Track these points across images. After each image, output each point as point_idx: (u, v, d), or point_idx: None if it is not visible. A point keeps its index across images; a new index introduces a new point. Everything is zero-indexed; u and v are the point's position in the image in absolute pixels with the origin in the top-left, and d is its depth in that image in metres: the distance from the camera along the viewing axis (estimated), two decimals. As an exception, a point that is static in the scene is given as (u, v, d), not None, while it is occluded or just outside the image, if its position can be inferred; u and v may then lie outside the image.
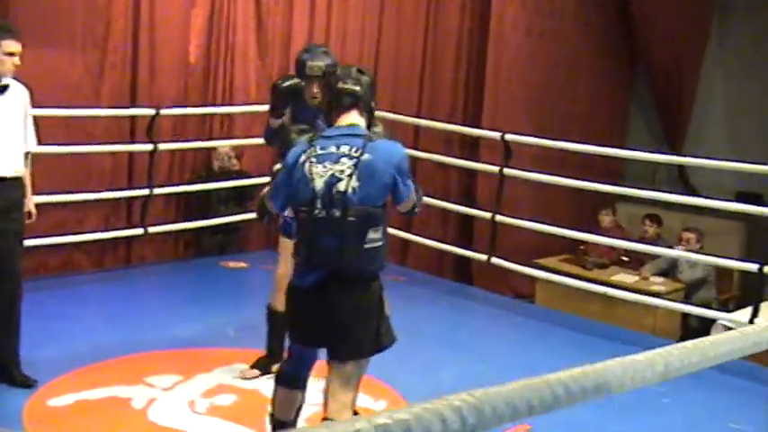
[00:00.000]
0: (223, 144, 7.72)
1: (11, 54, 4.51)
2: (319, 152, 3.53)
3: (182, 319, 6.10)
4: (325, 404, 3.68)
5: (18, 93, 4.73)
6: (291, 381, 3.88)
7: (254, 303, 6.86)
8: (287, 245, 4.79)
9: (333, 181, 3.47)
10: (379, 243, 3.54)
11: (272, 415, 3.97)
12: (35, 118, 4.98)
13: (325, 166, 3.50)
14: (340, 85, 3.66)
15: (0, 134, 4.60)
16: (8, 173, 4.63)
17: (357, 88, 3.64)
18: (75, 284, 6.75)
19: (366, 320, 3.60)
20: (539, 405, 1.50)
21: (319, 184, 3.48)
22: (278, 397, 3.91)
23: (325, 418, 3.61)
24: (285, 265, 4.80)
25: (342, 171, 3.47)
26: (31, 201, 4.89)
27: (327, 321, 3.57)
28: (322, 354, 3.74)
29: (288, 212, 4.47)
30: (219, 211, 7.63)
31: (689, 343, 1.93)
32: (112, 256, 7.34)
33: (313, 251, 3.53)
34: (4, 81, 4.62)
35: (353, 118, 3.64)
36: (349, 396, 3.63)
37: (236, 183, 7.63)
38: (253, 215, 7.59)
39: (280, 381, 3.91)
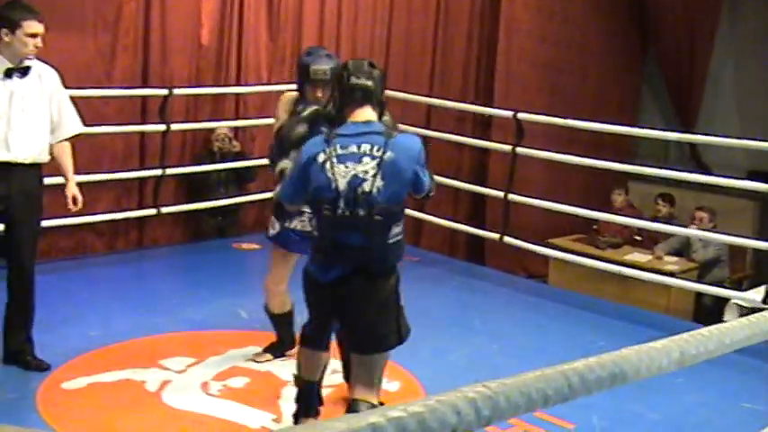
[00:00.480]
0: (231, 125, 7.71)
1: (33, 35, 4.40)
2: (340, 152, 3.48)
3: (194, 302, 6.10)
4: (351, 387, 3.80)
5: (45, 75, 4.59)
6: (315, 342, 3.92)
7: (267, 285, 6.89)
8: (280, 256, 4.82)
9: (356, 182, 3.44)
10: (401, 236, 3.60)
11: (297, 377, 4.02)
12: (73, 99, 4.88)
13: (347, 167, 3.46)
14: (353, 80, 3.59)
15: (19, 118, 4.47)
16: (25, 158, 4.52)
17: (370, 83, 3.60)
18: (88, 266, 6.77)
19: (388, 314, 3.64)
20: (554, 395, 1.49)
21: (342, 184, 3.45)
22: (303, 357, 3.96)
23: (353, 400, 3.67)
24: (276, 274, 4.87)
25: (365, 171, 3.45)
26: (74, 185, 4.83)
27: (351, 316, 3.63)
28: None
29: (290, 224, 4.61)
30: (219, 193, 7.61)
31: (704, 330, 1.92)
32: (125, 238, 7.35)
33: (337, 247, 3.54)
34: (26, 63, 4.50)
35: (368, 113, 3.60)
36: (374, 381, 3.69)
37: (242, 163, 7.62)
38: (248, 197, 7.68)
39: (303, 342, 3.97)
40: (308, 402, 4.00)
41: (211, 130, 7.60)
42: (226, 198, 7.60)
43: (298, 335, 4.14)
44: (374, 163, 3.45)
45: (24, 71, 4.48)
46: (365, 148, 3.47)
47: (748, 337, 1.97)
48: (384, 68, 3.87)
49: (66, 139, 4.78)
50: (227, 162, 7.55)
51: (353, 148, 3.48)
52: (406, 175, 3.50)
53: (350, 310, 3.61)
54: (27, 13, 4.42)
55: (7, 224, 4.62)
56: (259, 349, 5.13)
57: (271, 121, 7.79)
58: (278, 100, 4.91)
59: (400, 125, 4.86)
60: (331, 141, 3.52)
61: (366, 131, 3.53)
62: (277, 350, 5.10)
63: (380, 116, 3.68)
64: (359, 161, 3.46)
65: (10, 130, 4.45)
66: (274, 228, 4.76)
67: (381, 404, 3.66)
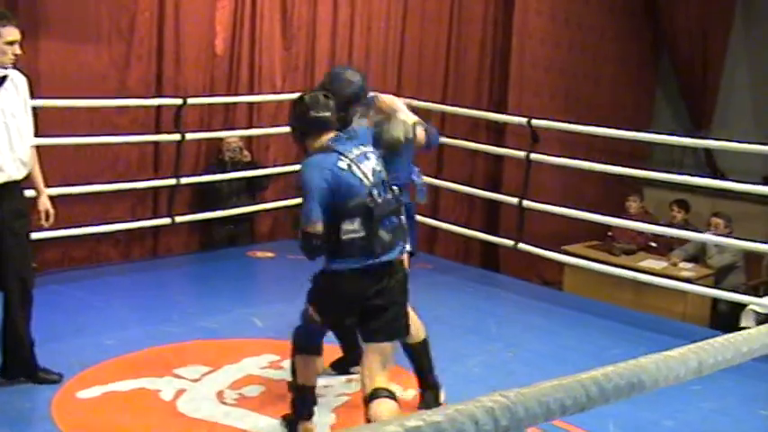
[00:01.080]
0: (246, 134, 7.72)
1: (11, 43, 4.19)
2: (353, 156, 3.88)
3: (209, 310, 6.11)
4: (364, 384, 3.85)
5: (19, 82, 4.38)
6: (308, 348, 4.14)
7: (282, 293, 6.88)
8: None
9: (376, 172, 3.91)
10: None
11: (295, 384, 4.18)
12: (34, 109, 4.64)
13: (365, 165, 3.89)
14: (312, 113, 3.97)
15: (4, 134, 4.25)
16: (21, 174, 4.37)
17: (327, 114, 3.98)
18: (103, 275, 6.79)
19: (406, 300, 4.02)
20: (572, 405, 1.48)
21: (371, 178, 3.87)
22: (301, 365, 4.14)
23: (376, 389, 3.78)
24: None
25: (377, 164, 3.95)
26: (46, 198, 4.62)
27: (379, 304, 3.84)
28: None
29: None
30: (230, 202, 7.61)
31: (722, 338, 1.90)
32: (139, 246, 7.37)
33: (374, 238, 3.80)
34: (2, 72, 4.28)
35: (331, 135, 3.97)
36: (386, 372, 3.88)
37: (255, 172, 7.63)
38: (263, 206, 7.70)
39: (297, 350, 4.15)
40: (307, 407, 4.19)
41: (222, 140, 7.61)
42: (238, 207, 7.60)
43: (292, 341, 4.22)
44: (374, 156, 3.97)
45: (2, 80, 4.27)
46: (362, 148, 3.95)
47: (766, 345, 1.95)
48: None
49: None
50: (237, 171, 7.55)
51: (355, 152, 3.91)
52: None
53: (380, 299, 3.84)
54: (5, 20, 4.21)
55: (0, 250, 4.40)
56: (275, 357, 5.12)
57: (286, 129, 7.85)
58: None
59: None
60: (338, 152, 3.89)
61: (347, 138, 3.98)
62: (344, 364, 4.97)
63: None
64: (367, 158, 3.92)
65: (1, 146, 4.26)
66: None
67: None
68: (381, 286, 3.83)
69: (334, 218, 3.81)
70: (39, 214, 4.58)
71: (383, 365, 3.86)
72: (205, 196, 7.62)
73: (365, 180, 3.84)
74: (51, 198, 4.73)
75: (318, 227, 3.83)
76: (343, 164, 3.84)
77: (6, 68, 4.29)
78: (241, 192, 7.68)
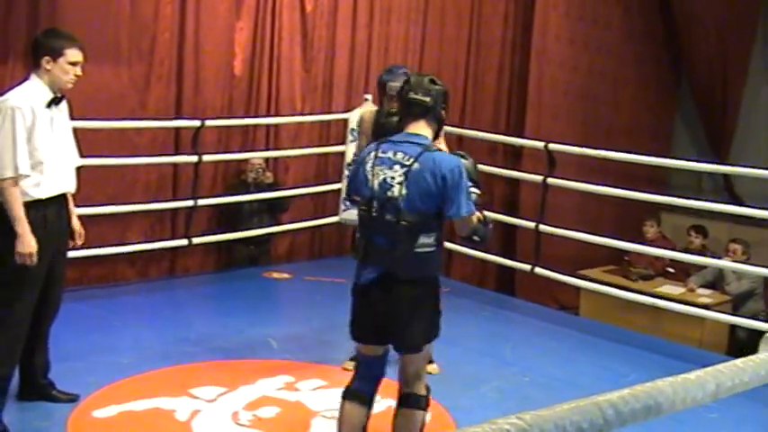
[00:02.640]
0: (265, 155, 7.75)
1: (74, 63, 4.34)
2: (380, 155, 3.69)
3: (225, 330, 6.12)
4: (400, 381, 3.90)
5: (65, 103, 4.54)
6: (357, 396, 3.90)
7: (298, 314, 6.91)
8: None
9: (385, 186, 3.64)
10: (431, 249, 3.69)
11: None
12: (76, 131, 4.78)
13: (381, 170, 3.66)
14: (411, 95, 3.77)
15: (61, 148, 4.43)
16: (72, 188, 4.54)
17: (426, 99, 3.75)
18: (120, 295, 6.81)
19: (422, 314, 3.77)
20: (589, 428, 1.48)
21: (375, 185, 3.66)
22: (343, 413, 3.91)
23: (403, 393, 3.87)
24: None
25: (393, 177, 3.63)
26: (77, 219, 4.70)
27: (387, 317, 3.73)
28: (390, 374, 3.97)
29: None
30: (252, 223, 7.64)
31: (740, 361, 1.89)
32: (157, 266, 7.39)
33: (369, 248, 3.71)
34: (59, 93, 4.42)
35: (420, 127, 3.75)
36: (418, 375, 3.87)
37: (276, 194, 7.65)
38: (282, 227, 7.71)
39: (346, 395, 3.92)
40: None
41: (245, 161, 7.65)
42: (259, 228, 7.62)
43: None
44: (402, 171, 3.62)
45: (59, 100, 4.42)
46: (399, 156, 3.65)
47: (785, 370, 1.94)
48: (447, 91, 3.97)
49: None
50: (260, 192, 7.58)
51: (390, 154, 3.67)
52: (426, 186, 3.60)
53: (386, 310, 3.72)
54: (69, 41, 4.38)
55: (53, 260, 4.46)
56: (291, 379, 5.12)
57: (305, 151, 7.90)
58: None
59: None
60: (378, 145, 3.75)
61: (407, 141, 3.70)
62: None
63: (437, 132, 3.83)
64: (390, 167, 3.65)
65: (59, 160, 4.40)
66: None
67: (428, 390, 3.93)
68: (374, 299, 3.76)
69: None
70: (72, 234, 4.65)
71: (411, 371, 3.87)
72: (226, 217, 7.65)
73: (370, 182, 3.68)
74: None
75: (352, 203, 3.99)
76: (368, 157, 3.75)
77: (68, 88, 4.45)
78: (263, 213, 7.72)
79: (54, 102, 4.37)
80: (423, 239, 3.65)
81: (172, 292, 7.18)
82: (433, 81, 3.85)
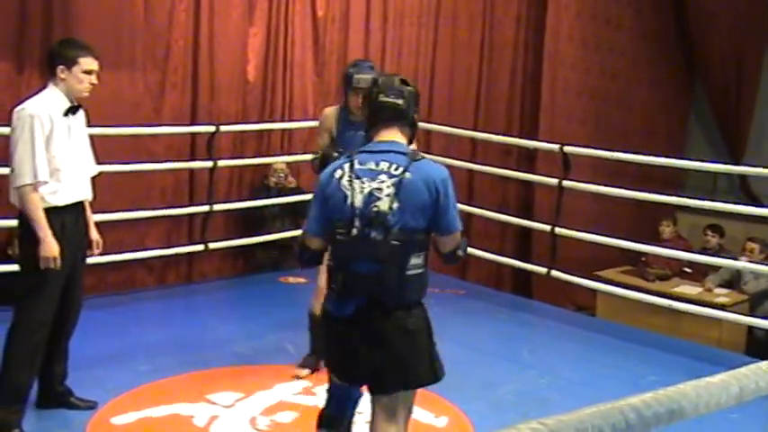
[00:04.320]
0: (281, 160, 7.77)
1: (89, 72, 4.37)
2: (357, 167, 3.26)
3: (242, 336, 6.13)
4: None
5: (82, 113, 4.59)
6: (334, 423, 3.56)
7: (314, 319, 6.89)
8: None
9: (371, 199, 3.20)
10: (422, 269, 3.27)
11: None
12: (92, 138, 4.81)
13: (362, 182, 3.22)
14: (381, 98, 3.36)
15: (78, 157, 4.47)
16: (89, 196, 4.59)
17: (399, 101, 3.35)
18: (137, 301, 6.83)
19: (415, 346, 3.30)
20: (611, 432, 1.47)
21: (358, 200, 3.21)
22: None
23: None
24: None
25: (380, 189, 3.20)
26: (95, 228, 4.72)
27: (372, 352, 3.26)
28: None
29: None
30: (275, 227, 7.66)
31: (763, 364, 1.88)
32: (174, 272, 7.42)
33: (349, 278, 3.24)
34: (76, 101, 4.47)
35: (393, 134, 3.36)
36: (398, 421, 3.34)
37: (290, 198, 7.66)
38: (292, 233, 7.69)
39: (322, 424, 3.58)
40: None
41: (268, 165, 7.68)
42: (279, 232, 7.65)
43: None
44: (391, 182, 3.20)
45: (76, 109, 4.46)
46: (383, 165, 3.24)
47: (808, 372, 1.92)
48: (419, 92, 3.51)
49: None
50: (281, 197, 7.65)
51: (371, 165, 3.25)
52: (421, 198, 3.20)
53: (370, 345, 3.26)
54: (83, 50, 4.40)
55: (72, 265, 4.46)
56: (308, 384, 5.13)
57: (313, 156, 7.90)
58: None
59: (445, 158, 4.89)
60: (351, 157, 3.31)
61: (388, 150, 3.29)
62: (313, 361, 5.20)
63: (411, 138, 3.43)
64: (375, 178, 3.22)
65: (76, 169, 4.44)
66: None
67: None
68: (357, 332, 3.29)
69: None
70: (91, 244, 4.67)
71: (389, 420, 3.35)
72: (249, 221, 7.69)
73: (350, 199, 3.22)
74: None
75: (312, 242, 3.42)
76: (338, 173, 3.28)
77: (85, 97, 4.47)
78: (285, 217, 7.74)
79: (71, 110, 4.40)
80: (413, 260, 3.22)
81: (189, 297, 7.19)
82: (404, 82, 3.42)
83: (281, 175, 7.68)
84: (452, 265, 3.81)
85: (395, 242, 3.17)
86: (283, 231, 7.66)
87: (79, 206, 4.50)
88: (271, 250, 7.79)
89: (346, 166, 3.28)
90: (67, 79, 4.35)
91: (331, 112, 5.20)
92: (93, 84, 4.42)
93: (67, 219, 4.40)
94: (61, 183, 4.33)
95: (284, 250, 7.87)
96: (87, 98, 4.52)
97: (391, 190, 3.19)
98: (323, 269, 4.71)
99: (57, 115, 4.31)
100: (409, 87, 3.43)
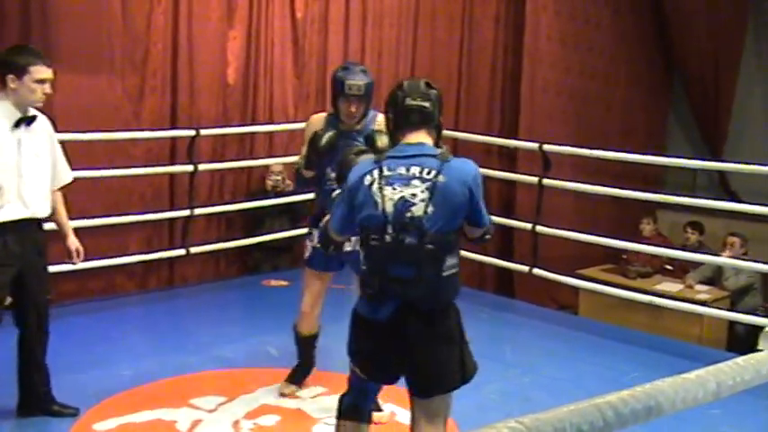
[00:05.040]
0: (260, 163, 7.77)
1: (41, 81, 4.12)
2: (387, 173, 3.24)
3: (224, 340, 6.11)
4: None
5: (43, 122, 4.33)
6: (355, 412, 3.58)
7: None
8: (313, 277, 4.87)
9: (404, 206, 3.18)
10: (456, 269, 3.27)
11: None
12: (63, 145, 4.63)
13: (394, 189, 3.20)
14: (408, 101, 3.34)
15: (30, 171, 4.21)
16: (42, 214, 4.33)
17: (426, 104, 3.35)
18: (118, 307, 6.80)
19: (450, 351, 3.32)
20: (589, 429, 1.48)
21: (389, 207, 3.19)
22: (341, 430, 3.60)
23: None
24: (311, 295, 4.91)
25: (414, 195, 3.18)
26: (74, 237, 4.57)
27: (408, 356, 3.29)
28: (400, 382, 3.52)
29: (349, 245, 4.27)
30: (273, 230, 7.66)
31: (740, 359, 1.89)
32: (155, 277, 7.39)
33: (386, 282, 3.23)
34: (31, 111, 4.23)
35: (422, 136, 3.33)
36: (440, 425, 3.38)
37: (278, 200, 7.67)
38: (275, 236, 7.70)
39: (342, 413, 3.59)
40: None
41: (266, 168, 7.76)
42: (276, 233, 7.68)
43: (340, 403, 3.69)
44: (424, 186, 3.18)
45: (30, 120, 4.20)
46: (414, 170, 3.21)
47: (785, 366, 1.94)
48: (442, 95, 3.50)
49: (59, 189, 4.55)
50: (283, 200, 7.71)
51: (402, 170, 3.22)
52: (457, 200, 3.20)
53: (407, 349, 3.28)
54: (34, 57, 4.15)
55: (21, 285, 4.33)
56: (290, 387, 5.12)
57: (297, 158, 7.88)
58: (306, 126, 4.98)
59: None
60: (380, 163, 3.28)
61: (417, 154, 3.26)
62: (299, 377, 5.15)
63: (437, 141, 3.40)
64: (407, 183, 3.19)
65: (24, 184, 4.19)
66: (308, 250, 4.84)
67: None
68: (395, 336, 3.29)
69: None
70: (70, 253, 4.53)
71: (432, 419, 3.37)
72: (247, 225, 7.73)
73: (381, 206, 3.20)
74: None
75: (337, 238, 3.52)
76: (368, 179, 3.26)
77: (35, 108, 4.25)
78: (283, 220, 7.75)
79: (23, 122, 4.18)
80: (449, 261, 3.21)
81: (171, 302, 7.17)
82: (429, 85, 3.43)
83: (278, 177, 7.68)
84: (479, 245, 3.89)
85: (430, 246, 3.16)
86: (280, 232, 7.66)
87: (27, 224, 4.27)
88: (268, 252, 7.79)
89: (375, 172, 3.26)
90: (18, 89, 4.12)
91: (318, 119, 4.78)
92: (46, 93, 4.18)
93: (10, 237, 4.19)
94: (2, 199, 4.11)
95: (281, 252, 7.90)
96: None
97: (426, 195, 3.18)
98: (314, 297, 4.88)
99: (3, 128, 4.11)
100: (434, 90, 3.43)
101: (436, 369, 3.30)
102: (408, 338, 3.26)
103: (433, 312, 3.26)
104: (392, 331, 3.28)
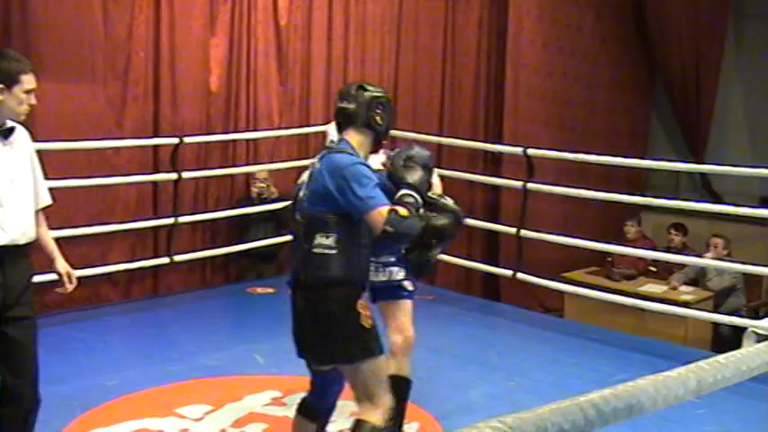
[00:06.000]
0: (244, 171, 7.77)
1: (29, 92, 3.61)
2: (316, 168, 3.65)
3: (210, 348, 6.10)
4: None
5: (22, 135, 3.76)
6: (309, 410, 3.80)
7: (283, 329, 6.84)
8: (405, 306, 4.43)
9: (298, 188, 3.71)
10: (330, 251, 3.47)
11: None
12: (42, 157, 4.01)
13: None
14: (338, 103, 3.71)
15: (9, 192, 3.64)
16: (23, 239, 3.69)
17: (350, 106, 3.64)
18: (103, 316, 6.78)
19: (334, 327, 3.50)
20: (570, 428, 1.48)
21: (302, 195, 3.66)
22: (294, 426, 3.84)
23: (354, 420, 3.60)
24: (400, 331, 4.36)
25: (303, 181, 3.68)
26: (63, 260, 4.01)
27: (298, 329, 3.63)
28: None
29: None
30: (258, 237, 7.66)
31: (721, 357, 1.91)
32: (140, 286, 7.37)
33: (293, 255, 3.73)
34: (9, 123, 3.67)
35: (349, 135, 3.65)
36: (370, 392, 3.54)
37: (262, 208, 7.66)
38: (260, 243, 7.68)
39: (298, 409, 3.83)
40: None
41: (251, 175, 7.76)
42: (261, 240, 7.69)
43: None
44: (309, 172, 3.65)
45: (9, 132, 3.67)
46: (315, 161, 3.66)
47: (766, 363, 1.95)
48: (382, 97, 3.69)
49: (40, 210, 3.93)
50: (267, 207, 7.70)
51: (318, 165, 3.62)
52: (321, 186, 3.49)
53: (295, 319, 3.63)
54: (24, 65, 3.65)
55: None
56: (278, 394, 5.11)
57: (282, 165, 7.89)
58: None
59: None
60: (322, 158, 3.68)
61: (332, 148, 3.66)
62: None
63: (375, 140, 3.66)
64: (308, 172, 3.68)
65: (1, 206, 3.62)
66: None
67: (386, 423, 3.59)
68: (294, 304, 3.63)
69: None
70: (61, 278, 4.03)
71: (360, 390, 3.59)
72: (231, 232, 7.72)
73: (300, 194, 3.65)
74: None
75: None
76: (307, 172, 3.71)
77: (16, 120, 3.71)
78: (268, 228, 7.76)
79: (1, 136, 3.66)
80: (318, 239, 3.47)
81: (155, 311, 7.15)
82: (361, 87, 3.70)
83: (263, 184, 7.67)
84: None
85: (301, 221, 3.59)
86: (265, 240, 7.66)
87: (7, 251, 3.65)
88: (254, 260, 7.79)
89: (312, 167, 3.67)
90: (6, 100, 3.57)
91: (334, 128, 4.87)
92: (32, 105, 3.68)
93: None
94: None
95: (267, 260, 7.89)
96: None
97: (307, 180, 3.64)
98: (394, 326, 4.36)
99: None
100: (366, 92, 3.67)
101: (317, 339, 3.55)
102: (295, 309, 3.62)
103: (309, 288, 3.54)
104: (292, 301, 3.63)
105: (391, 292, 4.31)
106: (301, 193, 3.62)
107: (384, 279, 4.27)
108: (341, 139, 3.65)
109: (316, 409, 3.80)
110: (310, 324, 3.53)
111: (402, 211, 3.37)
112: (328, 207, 3.48)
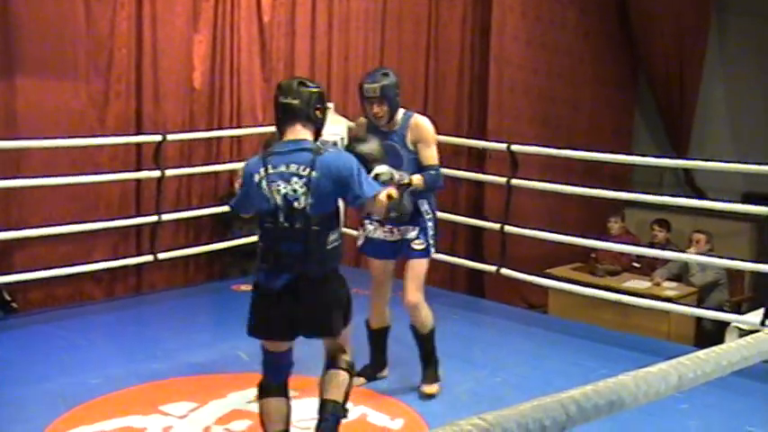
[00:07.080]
0: (229, 168, 7.73)
1: None
2: (271, 172, 3.76)
3: (194, 345, 6.08)
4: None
5: None
6: (273, 389, 4.03)
7: (267, 326, 6.86)
8: (369, 264, 5.27)
9: (289, 200, 3.74)
10: (338, 242, 3.88)
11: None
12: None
13: (278, 185, 3.75)
14: (281, 99, 3.86)
15: None
16: None
17: (295, 102, 3.82)
18: (86, 314, 6.74)
19: (339, 307, 3.95)
20: (551, 425, 1.48)
21: (279, 200, 3.75)
22: (264, 409, 4.03)
23: (329, 361, 4.04)
24: (372, 288, 5.27)
25: (295, 191, 3.73)
26: None
27: (304, 316, 3.85)
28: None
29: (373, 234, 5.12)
30: (242, 234, 7.63)
31: (702, 352, 1.91)
32: (123, 284, 7.34)
33: (279, 256, 3.77)
34: None
35: (298, 131, 3.84)
36: (343, 345, 4.08)
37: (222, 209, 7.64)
38: (245, 240, 7.66)
39: (262, 393, 4.05)
40: None
41: (234, 172, 7.67)
42: (245, 237, 7.63)
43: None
44: (302, 182, 3.72)
45: None
46: (293, 167, 3.74)
47: (745, 358, 1.96)
48: (322, 92, 4.00)
49: None
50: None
51: (282, 168, 3.75)
52: (328, 191, 3.75)
53: (302, 310, 3.84)
54: None
55: None
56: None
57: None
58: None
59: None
60: (266, 161, 3.80)
61: (295, 149, 3.78)
62: (366, 372, 5.29)
63: (317, 133, 3.91)
64: (288, 181, 3.74)
65: None
66: (360, 239, 5.23)
67: (351, 365, 4.08)
68: (289, 301, 3.85)
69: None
70: None
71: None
72: (215, 229, 7.68)
73: (273, 200, 3.77)
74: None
75: (239, 214, 4.22)
76: (256, 177, 3.81)
77: None
78: (252, 225, 7.71)
79: None
80: (331, 236, 3.81)
81: (139, 309, 7.13)
82: (302, 83, 3.91)
83: None
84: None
85: (315, 227, 3.74)
86: (249, 236, 7.63)
87: None
88: (237, 257, 7.77)
89: (262, 170, 3.80)
90: None
91: (362, 123, 5.17)
92: None
93: None
94: None
95: (251, 257, 7.85)
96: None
97: (304, 189, 3.72)
98: (376, 285, 5.25)
99: None
100: (308, 88, 3.89)
101: (327, 320, 3.89)
102: (302, 302, 3.81)
103: (320, 280, 3.83)
104: (285, 297, 3.80)
105: (403, 251, 5.06)
106: (301, 203, 3.73)
107: (396, 239, 5.05)
108: (298, 139, 3.82)
109: (280, 386, 4.05)
110: (327, 305, 3.87)
111: (393, 193, 3.98)
112: (331, 205, 3.80)
